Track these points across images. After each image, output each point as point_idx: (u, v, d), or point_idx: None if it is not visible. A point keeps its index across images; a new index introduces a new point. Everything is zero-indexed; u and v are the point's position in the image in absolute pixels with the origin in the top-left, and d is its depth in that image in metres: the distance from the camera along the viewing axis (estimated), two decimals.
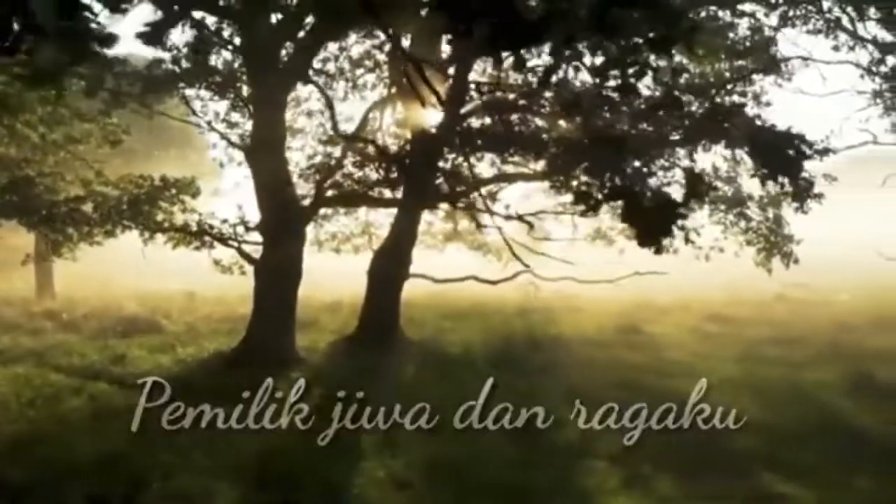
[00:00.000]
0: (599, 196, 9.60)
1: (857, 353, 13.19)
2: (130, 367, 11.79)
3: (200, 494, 5.96)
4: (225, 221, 12.43)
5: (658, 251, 7.79)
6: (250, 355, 12.02)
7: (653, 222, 7.30)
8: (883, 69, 12.80)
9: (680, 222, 7.46)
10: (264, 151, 11.77)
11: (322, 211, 16.95)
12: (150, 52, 14.04)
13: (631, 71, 5.35)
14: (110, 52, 13.77)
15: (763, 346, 14.44)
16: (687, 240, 8.21)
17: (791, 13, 13.51)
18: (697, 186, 8.16)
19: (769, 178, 9.62)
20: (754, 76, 16.04)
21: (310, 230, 18.94)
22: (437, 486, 6.85)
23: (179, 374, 11.38)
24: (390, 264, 14.56)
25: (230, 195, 14.25)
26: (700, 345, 14.86)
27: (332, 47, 13.79)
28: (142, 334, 14.87)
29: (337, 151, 13.35)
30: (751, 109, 15.81)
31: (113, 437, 7.73)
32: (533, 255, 22.63)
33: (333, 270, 21.23)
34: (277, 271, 12.17)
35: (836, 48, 13.07)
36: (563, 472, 7.21)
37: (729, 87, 16.28)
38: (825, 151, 10.77)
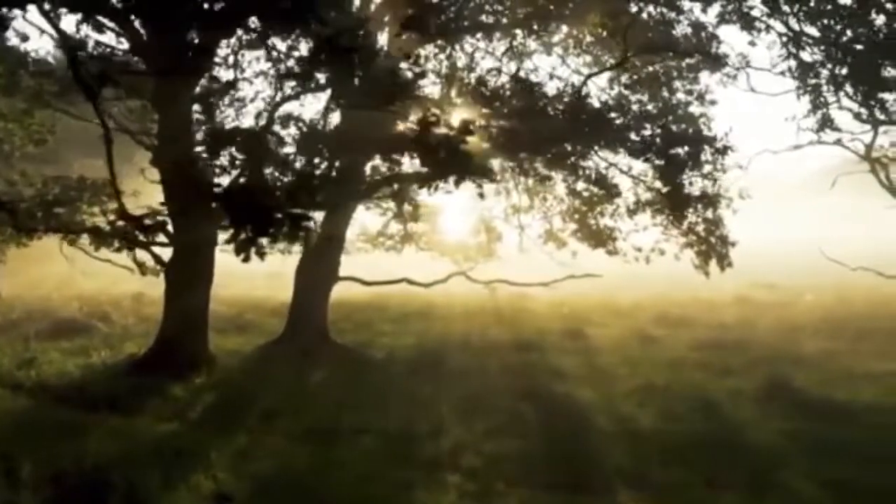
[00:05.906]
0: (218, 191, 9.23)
1: (788, 358, 12.79)
2: (35, 371, 11.57)
3: None
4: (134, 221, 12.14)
5: (247, 258, 7.37)
6: (160, 358, 11.79)
7: (250, 223, 6.90)
8: (791, 63, 12.34)
9: (304, 223, 7.06)
10: (169, 150, 11.52)
11: None
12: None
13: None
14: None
15: (699, 350, 14.01)
16: (306, 241, 7.82)
17: (728, 8, 13.05)
18: (304, 186, 7.80)
19: None
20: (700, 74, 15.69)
21: None
22: (265, 500, 6.57)
23: (80, 378, 11.17)
24: (317, 267, 14.30)
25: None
26: (637, 349, 14.47)
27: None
28: (70, 337, 14.64)
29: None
30: (696, 108, 15.49)
31: None
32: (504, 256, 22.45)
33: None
34: (186, 273, 11.93)
35: (752, 44, 12.65)
36: (408, 486, 6.89)
37: (677, 84, 15.93)
38: (724, 150, 10.37)
